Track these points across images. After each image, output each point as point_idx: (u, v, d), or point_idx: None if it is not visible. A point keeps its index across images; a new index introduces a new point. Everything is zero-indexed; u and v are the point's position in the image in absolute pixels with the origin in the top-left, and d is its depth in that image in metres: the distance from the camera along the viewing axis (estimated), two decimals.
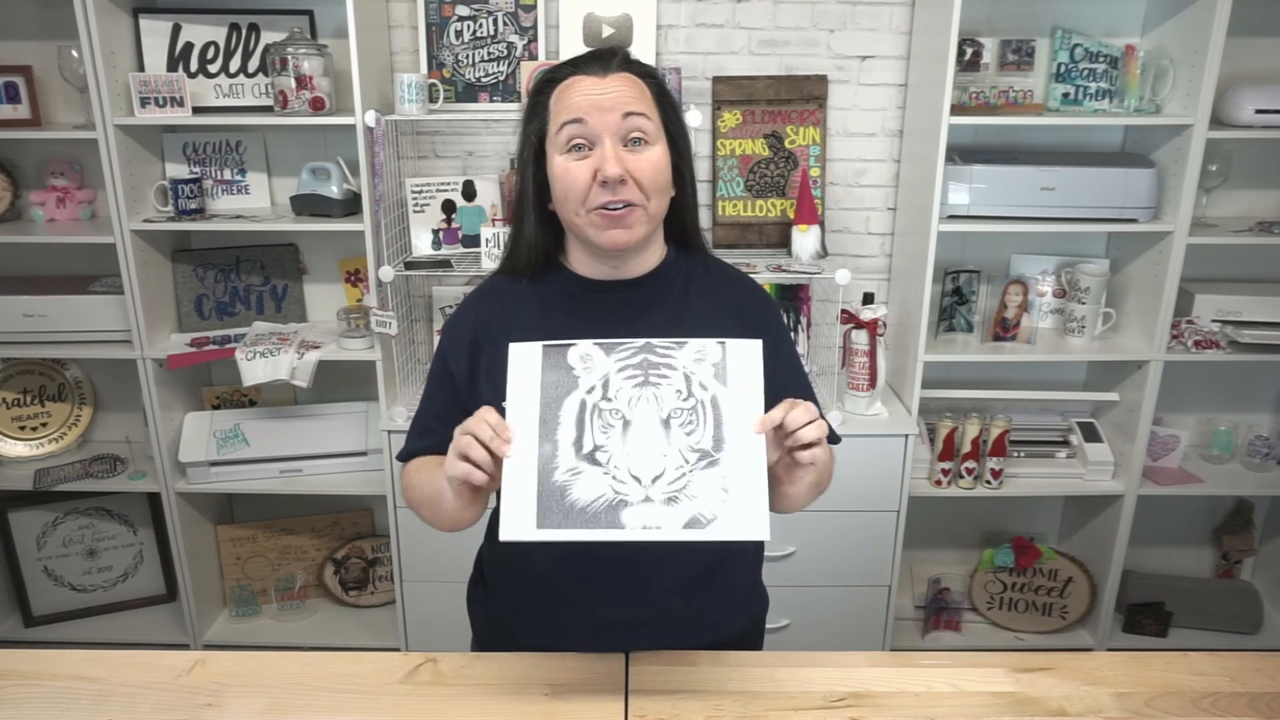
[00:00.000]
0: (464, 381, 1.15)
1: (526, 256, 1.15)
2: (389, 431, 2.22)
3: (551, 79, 1.10)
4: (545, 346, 1.02)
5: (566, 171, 1.06)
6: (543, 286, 1.17)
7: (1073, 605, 2.51)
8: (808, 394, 1.22)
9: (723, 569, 1.22)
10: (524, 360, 1.02)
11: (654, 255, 1.16)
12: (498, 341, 1.13)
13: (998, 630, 2.56)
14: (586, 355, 1.01)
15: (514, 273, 1.18)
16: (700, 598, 1.20)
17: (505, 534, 0.97)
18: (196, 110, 2.22)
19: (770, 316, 1.21)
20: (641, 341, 1.02)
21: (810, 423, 0.97)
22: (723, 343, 1.01)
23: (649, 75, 1.11)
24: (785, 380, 1.19)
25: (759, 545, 1.33)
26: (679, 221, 1.17)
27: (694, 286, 1.18)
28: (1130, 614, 2.55)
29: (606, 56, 1.09)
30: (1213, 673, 1.15)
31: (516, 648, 1.22)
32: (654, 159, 1.07)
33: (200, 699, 1.09)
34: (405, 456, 1.21)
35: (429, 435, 1.18)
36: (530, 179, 1.12)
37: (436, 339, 2.49)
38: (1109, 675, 1.14)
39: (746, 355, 1.01)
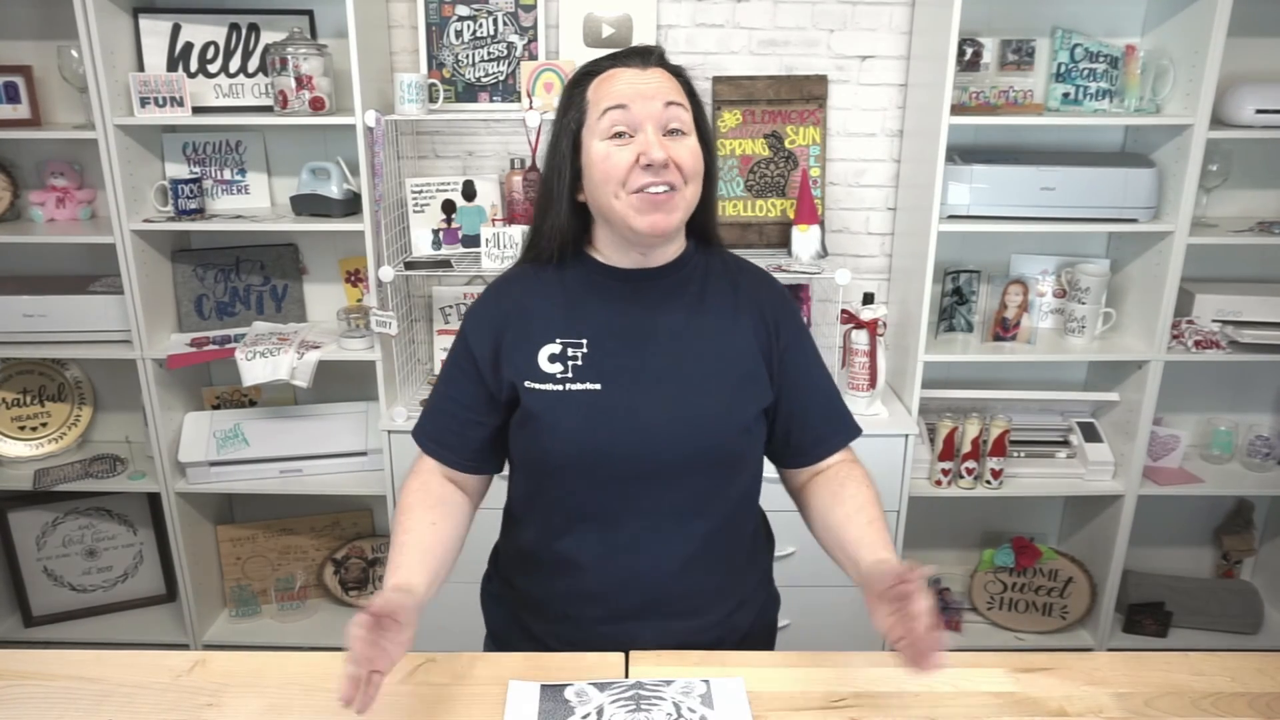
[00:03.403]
0: (488, 366, 1.17)
1: (551, 244, 1.17)
2: (389, 431, 2.22)
3: (590, 72, 1.14)
4: (543, 686, 1.08)
5: (607, 156, 1.08)
6: (567, 274, 1.19)
7: (1073, 605, 2.51)
8: (829, 389, 1.26)
9: (732, 567, 1.23)
10: (521, 696, 1.07)
11: (676, 245, 1.19)
12: (519, 325, 1.16)
13: (998, 630, 2.56)
14: (582, 692, 1.07)
15: (537, 262, 1.20)
16: (710, 594, 1.21)
17: None
18: (196, 110, 2.22)
19: (787, 312, 1.23)
20: (632, 680, 1.09)
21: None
22: (707, 681, 1.09)
23: (681, 74, 1.16)
24: (806, 379, 1.23)
25: (769, 545, 1.34)
26: (700, 216, 1.19)
27: (713, 279, 1.21)
28: (1130, 614, 2.55)
29: (645, 53, 1.14)
30: (1213, 673, 1.15)
31: (531, 640, 1.22)
32: (692, 146, 1.11)
33: (200, 699, 1.09)
34: (419, 435, 1.23)
35: (444, 417, 1.21)
36: (566, 168, 1.14)
37: (437, 339, 2.51)
38: (1109, 675, 1.14)
39: (731, 689, 1.08)
